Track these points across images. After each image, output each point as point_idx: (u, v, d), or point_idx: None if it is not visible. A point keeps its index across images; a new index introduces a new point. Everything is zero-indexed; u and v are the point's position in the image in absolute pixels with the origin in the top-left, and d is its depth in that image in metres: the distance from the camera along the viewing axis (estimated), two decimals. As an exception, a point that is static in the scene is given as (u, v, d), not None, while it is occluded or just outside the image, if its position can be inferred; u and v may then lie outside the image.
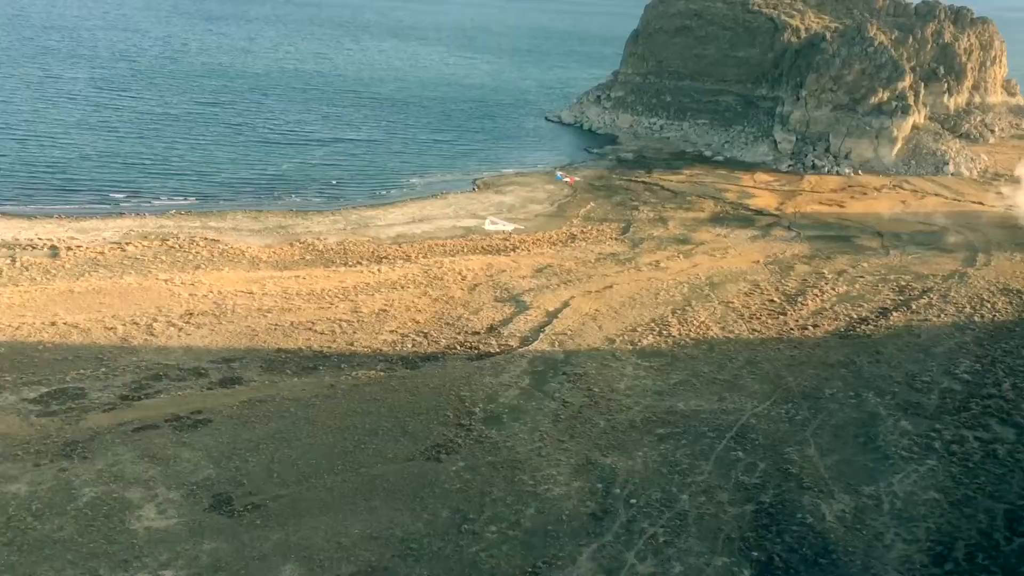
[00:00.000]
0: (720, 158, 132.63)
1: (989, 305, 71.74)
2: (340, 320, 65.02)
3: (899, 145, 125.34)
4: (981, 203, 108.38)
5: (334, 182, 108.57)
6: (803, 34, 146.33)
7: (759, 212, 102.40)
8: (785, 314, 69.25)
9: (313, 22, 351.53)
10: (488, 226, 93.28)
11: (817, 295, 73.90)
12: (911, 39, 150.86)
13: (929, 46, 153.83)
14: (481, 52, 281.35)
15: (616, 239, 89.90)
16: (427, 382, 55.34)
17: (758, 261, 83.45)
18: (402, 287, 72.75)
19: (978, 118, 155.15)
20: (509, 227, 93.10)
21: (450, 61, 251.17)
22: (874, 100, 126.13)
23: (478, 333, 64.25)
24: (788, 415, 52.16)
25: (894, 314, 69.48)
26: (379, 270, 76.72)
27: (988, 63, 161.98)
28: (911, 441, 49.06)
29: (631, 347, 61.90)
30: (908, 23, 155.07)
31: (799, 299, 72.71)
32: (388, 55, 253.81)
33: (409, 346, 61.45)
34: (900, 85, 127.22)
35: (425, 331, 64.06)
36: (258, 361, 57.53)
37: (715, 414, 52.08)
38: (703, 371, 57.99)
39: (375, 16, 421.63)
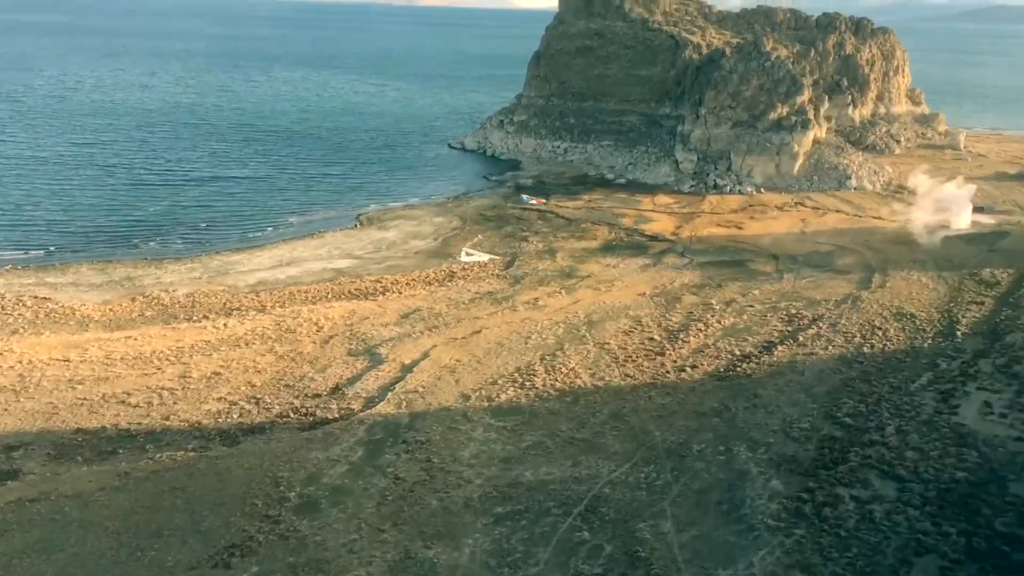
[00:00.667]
0: (622, 181, 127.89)
1: (880, 333, 66.92)
2: (162, 388, 57.38)
3: (801, 160, 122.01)
4: (882, 218, 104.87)
5: (203, 225, 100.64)
6: (704, 51, 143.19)
7: (654, 238, 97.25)
8: (664, 354, 63.49)
9: (224, 55, 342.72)
10: (464, 258, 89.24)
11: (701, 330, 68.41)
12: (813, 52, 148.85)
13: (831, 58, 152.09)
14: (393, 79, 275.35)
15: (497, 275, 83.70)
16: (243, 462, 48.06)
17: (644, 293, 77.93)
18: (246, 344, 65.37)
19: (883, 129, 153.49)
20: (485, 257, 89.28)
21: (359, 89, 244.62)
22: (773, 116, 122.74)
23: (319, 396, 57.18)
24: (647, 480, 46.06)
25: (779, 348, 64.19)
26: (225, 325, 69.20)
27: (891, 73, 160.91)
28: (780, 506, 43.27)
29: (487, 404, 55.40)
30: (809, 36, 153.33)
31: (681, 335, 67.09)
32: (295, 85, 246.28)
33: (235, 416, 54.09)
34: (799, 99, 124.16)
35: (258, 396, 56.79)
36: (47, 447, 49.60)
37: (566, 484, 45.72)
38: (561, 430, 51.70)
39: (296, 46, 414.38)
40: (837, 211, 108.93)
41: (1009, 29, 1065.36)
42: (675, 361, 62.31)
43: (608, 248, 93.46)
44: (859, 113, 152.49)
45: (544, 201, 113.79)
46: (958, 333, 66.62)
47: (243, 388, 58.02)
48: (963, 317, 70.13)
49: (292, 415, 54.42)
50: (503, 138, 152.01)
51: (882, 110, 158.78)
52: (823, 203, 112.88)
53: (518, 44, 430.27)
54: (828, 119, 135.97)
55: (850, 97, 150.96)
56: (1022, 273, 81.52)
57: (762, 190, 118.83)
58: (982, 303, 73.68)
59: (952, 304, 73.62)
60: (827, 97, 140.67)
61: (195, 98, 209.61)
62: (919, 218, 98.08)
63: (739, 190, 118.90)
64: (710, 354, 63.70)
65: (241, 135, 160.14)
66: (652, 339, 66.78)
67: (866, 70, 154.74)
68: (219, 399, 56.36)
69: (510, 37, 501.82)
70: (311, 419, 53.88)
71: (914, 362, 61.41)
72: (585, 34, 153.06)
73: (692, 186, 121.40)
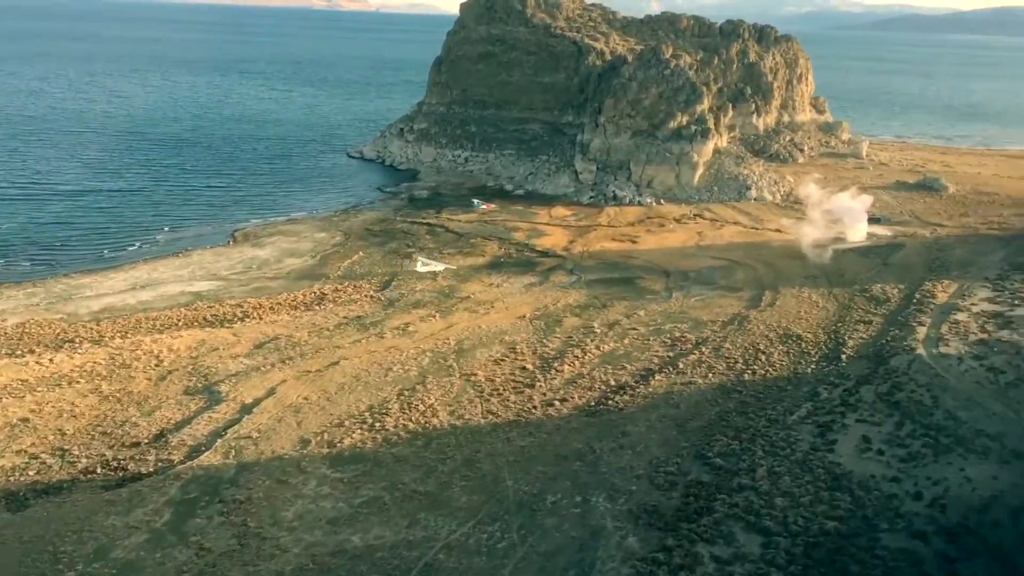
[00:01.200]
0: (521, 192, 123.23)
1: (764, 358, 63.20)
2: (-46, 441, 50.02)
3: (701, 170, 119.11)
4: (780, 230, 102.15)
5: (58, 243, 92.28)
6: (608, 57, 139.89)
7: (544, 254, 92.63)
8: (533, 386, 58.52)
9: (127, 59, 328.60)
10: (420, 267, 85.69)
11: (578, 356, 63.70)
12: (716, 59, 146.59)
13: (735, 66, 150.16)
14: (301, 84, 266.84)
15: (371, 297, 77.79)
16: (23, 532, 41.33)
17: (524, 316, 72.99)
18: (69, 382, 58.19)
19: (787, 138, 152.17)
20: (440, 267, 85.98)
21: (264, 95, 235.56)
22: (673, 124, 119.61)
23: (137, 445, 50.52)
24: (490, 542, 40.86)
25: (656, 377, 59.85)
26: (51, 360, 61.79)
27: (795, 81, 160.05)
28: (633, 570, 38.50)
29: (327, 451, 49.58)
30: (713, 43, 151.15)
31: (555, 364, 62.25)
32: (196, 91, 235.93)
33: (31, 474, 47.12)
34: (699, 108, 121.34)
35: (66, 448, 49.88)
36: None
37: (396, 550, 40.22)
38: (403, 482, 46.17)
39: (206, 50, 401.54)
40: (735, 223, 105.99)
41: (919, 37, 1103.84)
42: (544, 395, 57.37)
43: (495, 265, 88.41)
44: (763, 121, 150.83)
45: (493, 207, 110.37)
46: (843, 357, 63.26)
47: (51, 438, 51.03)
48: (850, 339, 66.90)
49: (100, 470, 47.73)
50: (402, 147, 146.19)
51: (786, 118, 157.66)
52: (722, 215, 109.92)
53: (437, 49, 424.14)
54: (731, 128, 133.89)
55: (754, 105, 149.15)
56: (913, 289, 79.18)
57: (662, 201, 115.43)
58: (870, 322, 70.71)
59: (840, 324, 70.51)
60: (731, 105, 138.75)
61: (84, 104, 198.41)
62: (808, 233, 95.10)
63: (639, 201, 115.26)
64: (583, 385, 58.97)
65: (124, 144, 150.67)
66: (524, 368, 61.77)
67: (769, 78, 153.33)
68: (19, 452, 49.34)
69: (429, 42, 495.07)
70: (121, 475, 47.30)
71: (795, 390, 57.70)
72: (487, 40, 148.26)
73: (591, 197, 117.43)
